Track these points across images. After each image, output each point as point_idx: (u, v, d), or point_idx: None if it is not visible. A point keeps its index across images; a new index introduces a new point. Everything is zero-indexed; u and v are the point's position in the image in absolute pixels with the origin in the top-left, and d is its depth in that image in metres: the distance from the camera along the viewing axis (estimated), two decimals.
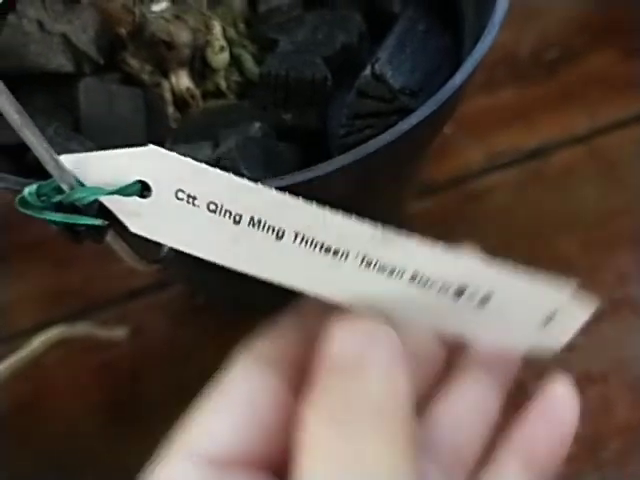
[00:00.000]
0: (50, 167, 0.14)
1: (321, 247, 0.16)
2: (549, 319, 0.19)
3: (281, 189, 0.15)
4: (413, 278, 0.17)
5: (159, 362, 0.31)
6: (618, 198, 0.31)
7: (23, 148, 0.18)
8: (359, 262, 0.16)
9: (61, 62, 0.22)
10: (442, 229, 0.32)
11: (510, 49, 0.36)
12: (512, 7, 0.19)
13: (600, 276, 0.29)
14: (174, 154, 0.14)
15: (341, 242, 0.16)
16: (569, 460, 0.26)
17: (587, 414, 0.26)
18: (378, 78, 0.16)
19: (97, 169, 0.14)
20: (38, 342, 0.28)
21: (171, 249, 0.18)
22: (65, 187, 0.14)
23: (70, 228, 0.15)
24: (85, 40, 0.22)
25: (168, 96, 0.20)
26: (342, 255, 0.16)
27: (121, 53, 0.22)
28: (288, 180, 0.15)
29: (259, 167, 0.17)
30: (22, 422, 0.32)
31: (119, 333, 0.31)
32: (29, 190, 0.14)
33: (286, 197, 0.15)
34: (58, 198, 0.15)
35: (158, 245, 0.18)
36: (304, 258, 0.16)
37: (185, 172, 0.15)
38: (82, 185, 0.14)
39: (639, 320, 0.29)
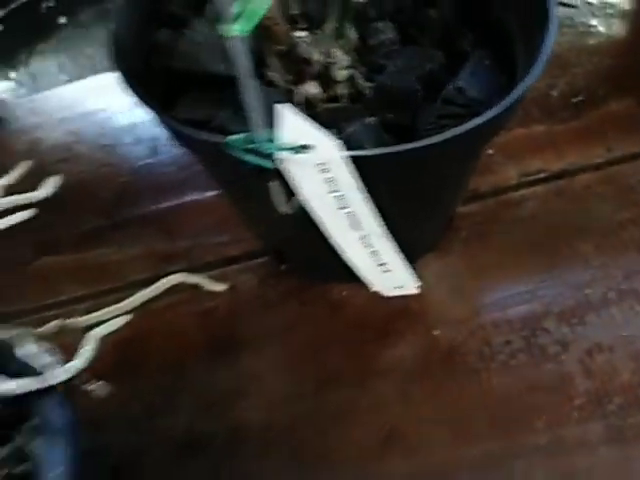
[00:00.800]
0: (256, 123, 0.22)
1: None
2: None
3: (388, 155, 0.22)
4: None
5: (249, 312, 0.38)
6: (628, 213, 0.38)
7: (207, 120, 0.26)
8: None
9: (222, 69, 0.30)
10: (482, 227, 0.39)
11: (543, 92, 0.44)
12: (547, 58, 0.27)
13: (611, 272, 0.36)
14: (330, 136, 0.22)
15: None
16: (580, 410, 0.32)
17: (597, 376, 0.33)
18: (459, 91, 0.24)
19: (281, 132, 0.22)
20: (161, 283, 0.36)
21: (300, 202, 0.26)
22: (258, 139, 0.22)
23: (251, 166, 0.23)
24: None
25: (300, 98, 0.29)
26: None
27: (266, 64, 0.30)
28: (394, 149, 0.23)
29: (372, 145, 0.25)
30: (136, 351, 0.39)
31: (221, 287, 0.38)
32: (235, 138, 0.22)
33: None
34: (251, 146, 0.23)
35: (292, 197, 0.26)
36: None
37: (330, 154, 0.22)
38: (271, 141, 0.22)
39: None
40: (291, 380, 0.35)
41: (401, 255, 0.29)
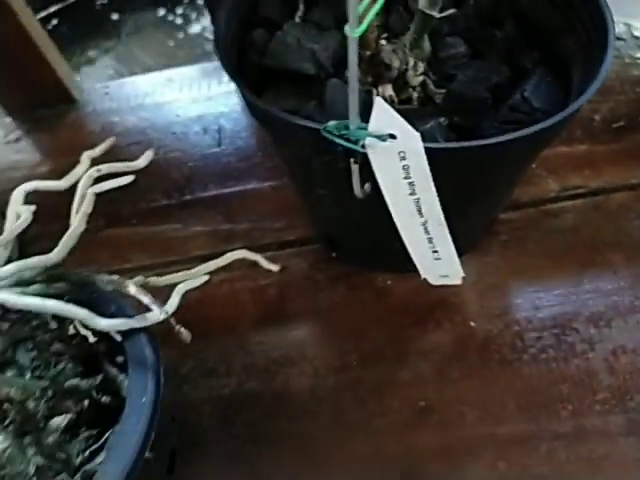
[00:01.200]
0: (352, 113, 0.26)
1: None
2: None
3: (463, 149, 0.26)
4: None
5: (299, 292, 0.42)
6: None
7: (292, 111, 0.30)
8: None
9: (308, 67, 0.34)
10: (521, 234, 0.43)
11: (587, 115, 0.48)
12: (606, 76, 0.30)
13: (638, 282, 0.39)
14: (412, 129, 0.26)
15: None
16: (603, 403, 0.35)
17: (620, 374, 0.36)
18: (525, 100, 0.28)
19: (373, 122, 0.26)
20: (227, 256, 0.40)
21: (371, 188, 0.29)
22: (352, 126, 0.26)
23: (341, 150, 0.27)
24: (325, 56, 0.34)
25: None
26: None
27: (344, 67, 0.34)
28: (471, 143, 0.27)
29: (443, 141, 0.28)
30: (194, 316, 0.43)
31: (276, 267, 0.42)
32: (332, 124, 0.26)
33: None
34: (344, 132, 0.26)
35: (366, 182, 0.29)
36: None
37: (411, 143, 0.26)
38: (363, 128, 0.26)
39: None
40: (335, 353, 0.39)
41: (453, 245, 0.32)
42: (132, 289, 0.29)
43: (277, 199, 0.48)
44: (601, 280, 0.40)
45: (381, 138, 0.26)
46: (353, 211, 0.35)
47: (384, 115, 0.26)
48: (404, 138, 0.26)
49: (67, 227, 0.33)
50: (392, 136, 0.26)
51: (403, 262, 0.35)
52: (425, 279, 0.36)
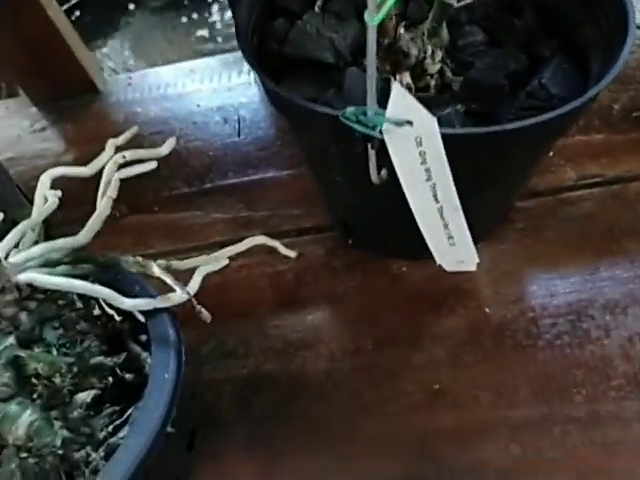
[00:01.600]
0: (370, 99, 0.26)
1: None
2: None
3: (480, 134, 0.26)
4: None
5: (316, 277, 0.43)
6: None
7: (311, 98, 0.31)
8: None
9: (327, 56, 0.35)
10: (537, 222, 0.43)
11: (606, 105, 0.48)
12: (625, 63, 0.30)
13: None
14: (429, 115, 0.26)
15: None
16: (618, 389, 0.36)
17: (635, 361, 0.36)
18: (542, 86, 0.28)
19: (391, 109, 0.27)
20: (247, 241, 0.41)
21: (388, 174, 0.30)
22: (370, 112, 0.27)
23: (358, 136, 0.28)
24: (344, 45, 0.35)
25: None
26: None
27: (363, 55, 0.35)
28: (488, 129, 0.27)
29: (459, 127, 0.29)
30: (214, 300, 0.44)
31: (294, 253, 0.43)
32: (350, 110, 0.27)
33: None
34: (362, 118, 0.27)
35: (382, 168, 0.30)
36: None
37: (428, 129, 0.27)
38: (380, 114, 0.27)
39: None
40: (351, 337, 0.40)
41: (468, 231, 0.33)
42: (156, 270, 0.30)
43: (295, 187, 0.48)
44: (618, 268, 0.40)
45: (398, 124, 0.27)
46: (369, 197, 0.36)
47: (402, 101, 0.26)
48: (421, 124, 0.26)
49: (91, 213, 0.34)
50: (409, 122, 0.27)
51: (419, 249, 0.36)
52: (440, 265, 0.36)
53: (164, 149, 0.36)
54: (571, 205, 0.43)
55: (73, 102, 0.60)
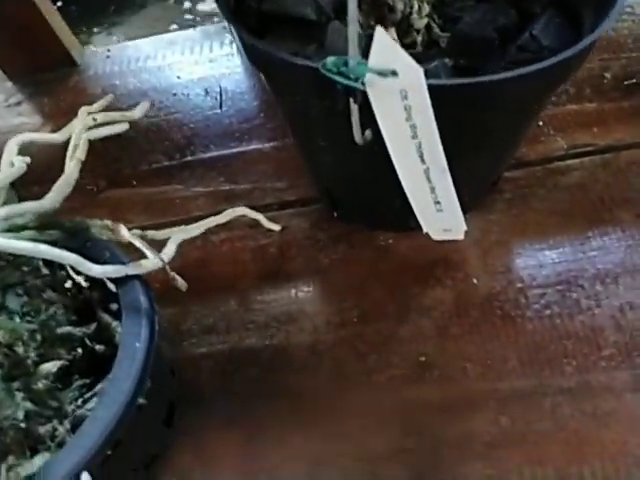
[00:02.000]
0: (352, 47, 0.25)
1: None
2: None
3: (461, 86, 0.25)
4: None
5: (300, 250, 0.41)
6: None
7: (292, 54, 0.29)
8: None
9: (308, 12, 0.33)
10: (526, 192, 0.42)
11: (597, 73, 0.46)
12: (603, 41, 0.29)
13: None
14: (415, 63, 0.25)
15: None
16: (609, 359, 0.35)
17: (627, 331, 0.35)
18: (533, 39, 0.27)
19: (373, 57, 0.25)
20: (227, 212, 0.39)
21: (372, 134, 0.28)
22: (352, 62, 0.25)
23: (340, 89, 0.26)
24: (326, 0, 0.33)
25: None
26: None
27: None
28: (476, 79, 0.26)
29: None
30: (194, 275, 0.42)
31: (277, 226, 0.41)
32: (331, 60, 0.25)
33: None
34: (344, 69, 0.25)
35: (366, 128, 0.28)
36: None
37: (413, 80, 0.25)
38: (364, 64, 0.25)
39: None
40: (335, 309, 0.38)
41: (456, 196, 0.31)
42: (125, 233, 0.28)
43: (278, 160, 0.47)
44: (609, 238, 0.38)
45: (382, 74, 0.25)
46: (354, 162, 0.34)
47: (385, 48, 0.25)
48: (406, 74, 0.25)
49: None
50: (394, 73, 0.25)
51: (405, 220, 0.34)
52: (427, 234, 0.35)
53: (137, 112, 0.34)
54: (561, 175, 0.42)
55: (50, 76, 0.58)
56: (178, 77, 0.54)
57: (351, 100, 0.27)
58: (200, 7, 1.32)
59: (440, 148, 0.28)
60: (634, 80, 0.45)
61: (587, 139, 0.43)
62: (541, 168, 0.42)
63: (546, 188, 0.41)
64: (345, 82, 0.25)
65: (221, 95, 0.52)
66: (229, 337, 0.38)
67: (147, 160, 0.49)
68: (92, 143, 0.53)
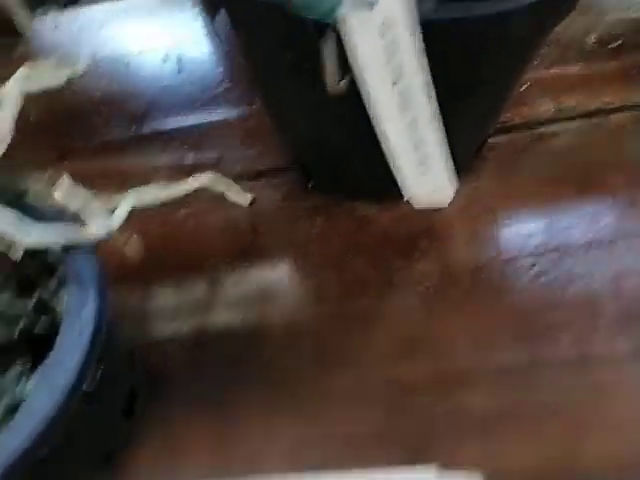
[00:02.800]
0: None
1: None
2: None
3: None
4: None
5: (272, 224, 0.38)
6: None
7: None
8: None
9: None
10: (513, 157, 0.39)
11: (580, 37, 0.44)
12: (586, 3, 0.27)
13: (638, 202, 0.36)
14: None
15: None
16: (607, 328, 0.32)
17: (624, 298, 0.33)
18: None
19: None
20: (192, 179, 0.35)
21: (350, 79, 0.25)
22: None
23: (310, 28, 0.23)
24: None
25: None
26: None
27: None
28: (458, 14, 0.23)
29: None
30: (158, 254, 0.39)
31: (248, 197, 0.38)
32: None
33: None
34: (315, 2, 0.22)
35: (344, 74, 0.25)
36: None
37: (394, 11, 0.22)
38: None
39: None
40: (314, 285, 0.35)
41: (444, 148, 0.28)
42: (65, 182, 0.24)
43: (246, 128, 0.43)
44: (601, 203, 0.36)
45: (359, 4, 0.22)
46: (327, 122, 0.31)
47: None
48: (386, 4, 0.22)
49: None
50: (371, 3, 0.22)
51: (386, 186, 0.31)
52: (410, 203, 0.32)
53: (79, 66, 0.30)
54: (548, 140, 0.40)
55: None
56: (133, 45, 0.50)
57: (323, 41, 0.24)
58: None
59: (427, 92, 0.25)
60: (619, 42, 0.43)
61: (574, 102, 0.41)
62: (528, 133, 0.40)
63: (533, 154, 0.39)
64: (316, 17, 0.22)
65: (180, 62, 0.48)
66: (197, 318, 0.35)
67: (101, 133, 0.45)
68: (42, 118, 0.48)
